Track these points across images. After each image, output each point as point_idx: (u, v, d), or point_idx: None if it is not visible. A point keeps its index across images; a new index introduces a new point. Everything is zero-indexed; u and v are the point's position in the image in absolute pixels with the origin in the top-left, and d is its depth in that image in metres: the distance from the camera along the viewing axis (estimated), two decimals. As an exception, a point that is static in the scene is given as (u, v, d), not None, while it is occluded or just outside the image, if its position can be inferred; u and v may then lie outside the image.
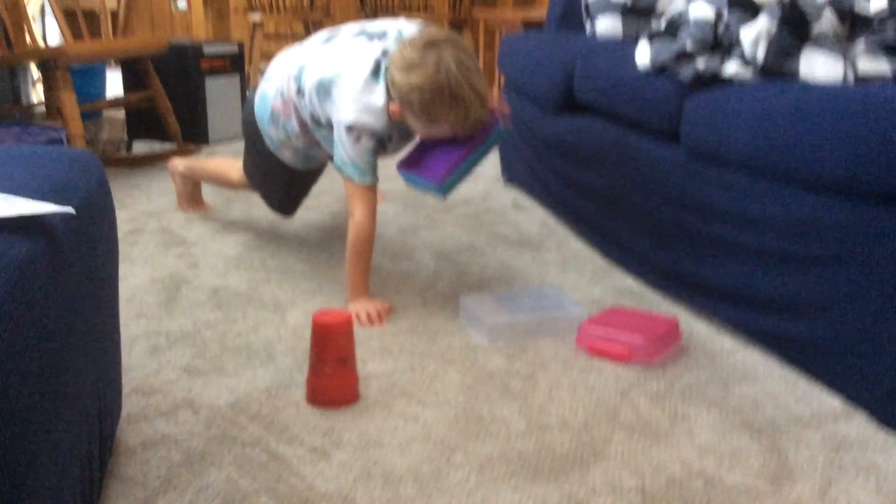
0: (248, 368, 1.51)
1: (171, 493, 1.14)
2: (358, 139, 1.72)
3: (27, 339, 0.72)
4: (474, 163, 1.78)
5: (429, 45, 1.62)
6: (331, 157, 1.97)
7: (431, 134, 1.72)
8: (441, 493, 1.14)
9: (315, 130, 1.88)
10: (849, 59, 1.69)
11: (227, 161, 2.32)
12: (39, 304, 0.77)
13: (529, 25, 3.46)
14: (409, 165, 1.79)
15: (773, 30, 1.68)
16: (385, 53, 1.73)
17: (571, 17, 2.76)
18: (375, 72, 1.72)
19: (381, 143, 1.76)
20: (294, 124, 1.90)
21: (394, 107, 1.69)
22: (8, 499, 0.64)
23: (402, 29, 1.79)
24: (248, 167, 2.13)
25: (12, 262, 0.75)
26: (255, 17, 4.19)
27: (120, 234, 2.24)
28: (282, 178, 2.07)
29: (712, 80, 1.72)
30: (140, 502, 1.11)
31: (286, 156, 2.00)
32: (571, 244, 2.25)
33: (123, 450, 1.24)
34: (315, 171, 2.13)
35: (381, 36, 1.79)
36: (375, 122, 1.72)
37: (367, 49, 1.76)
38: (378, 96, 1.71)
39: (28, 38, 3.26)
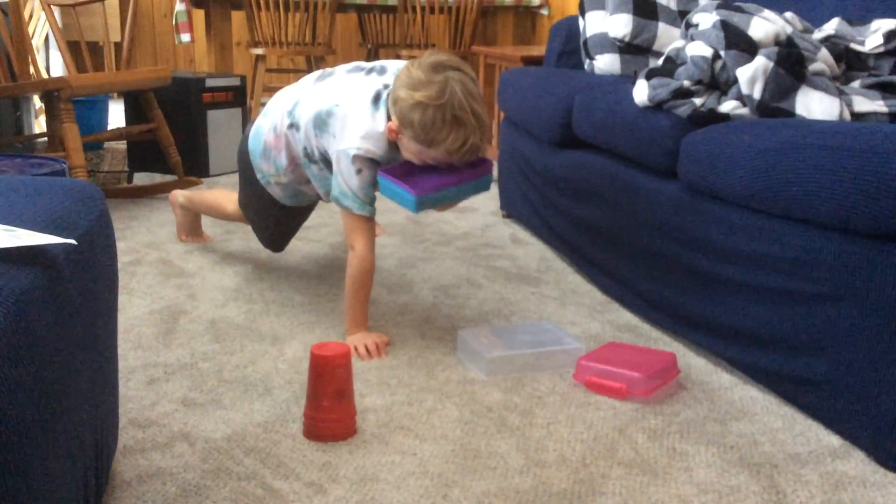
0: (244, 401, 1.51)
1: (166, 527, 1.13)
2: (360, 171, 1.73)
3: (26, 371, 0.72)
4: (456, 196, 1.76)
5: (436, 66, 1.63)
6: (319, 196, 1.98)
7: (424, 159, 1.69)
8: (438, 529, 1.14)
9: (306, 166, 1.89)
10: (844, 98, 1.71)
11: (224, 193, 2.33)
12: (39, 335, 0.77)
13: (529, 62, 3.49)
14: (390, 173, 1.73)
15: (770, 69, 1.70)
16: (386, 87, 1.74)
17: (570, 54, 2.80)
18: (376, 100, 1.74)
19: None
20: (283, 159, 1.91)
21: (391, 125, 1.68)
22: (3, 532, 0.63)
23: (400, 67, 1.81)
24: (242, 200, 2.15)
25: (13, 293, 0.75)
26: (258, 50, 4.23)
27: (119, 265, 2.24)
28: (271, 213, 2.08)
29: (709, 117, 1.74)
30: (134, 536, 1.10)
31: (275, 191, 2.01)
32: (570, 279, 2.26)
33: (119, 482, 1.23)
34: (305, 209, 2.14)
35: (381, 71, 1.81)
36: (377, 148, 1.73)
37: (366, 81, 1.78)
38: (379, 123, 1.72)
39: (32, 69, 3.29)
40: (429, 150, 1.66)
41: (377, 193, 1.79)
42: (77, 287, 0.94)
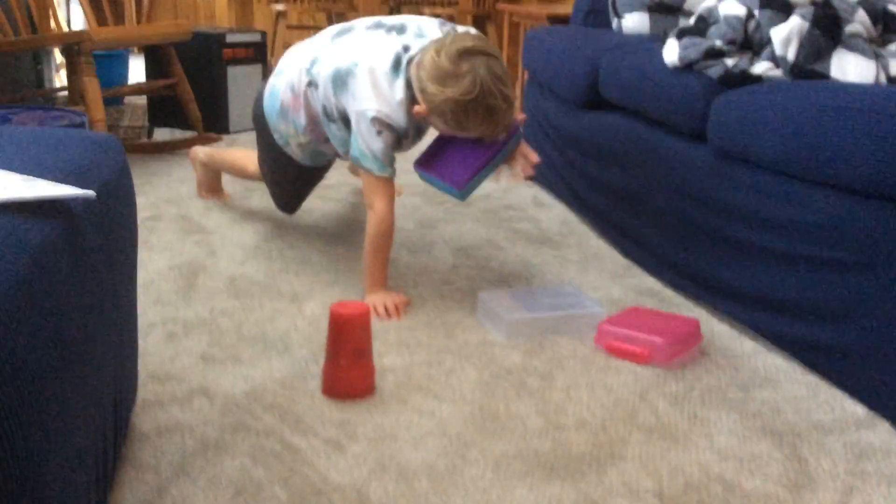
0: (263, 358, 1.51)
1: (184, 480, 1.13)
2: (380, 132, 1.71)
3: (46, 322, 0.71)
4: (494, 167, 1.78)
5: (462, 54, 1.60)
6: (338, 154, 1.96)
7: (457, 136, 1.73)
8: (455, 489, 1.13)
9: (325, 125, 1.86)
10: (881, 60, 1.66)
11: (245, 153, 2.31)
12: (59, 286, 0.77)
13: (555, 21, 3.43)
14: (427, 166, 1.78)
15: (805, 30, 1.65)
16: (406, 49, 1.71)
17: (598, 13, 2.73)
18: (395, 66, 1.70)
19: (398, 138, 1.75)
20: (302, 119, 1.88)
21: (419, 109, 1.68)
22: (24, 483, 0.63)
23: (421, 25, 1.77)
24: (260, 160, 2.13)
25: (32, 244, 0.74)
26: (279, 6, 4.19)
27: (139, 221, 2.24)
28: (289, 174, 2.06)
29: (741, 79, 1.70)
30: (153, 489, 1.11)
31: (294, 152, 1.98)
32: (592, 242, 2.23)
33: (137, 435, 1.24)
34: (322, 169, 2.11)
35: (400, 29, 1.77)
36: (394, 115, 1.70)
37: (385, 42, 1.74)
38: (397, 91, 1.70)
39: (53, 23, 3.27)
40: (462, 132, 1.70)
41: (398, 156, 1.78)
42: (96, 239, 0.93)
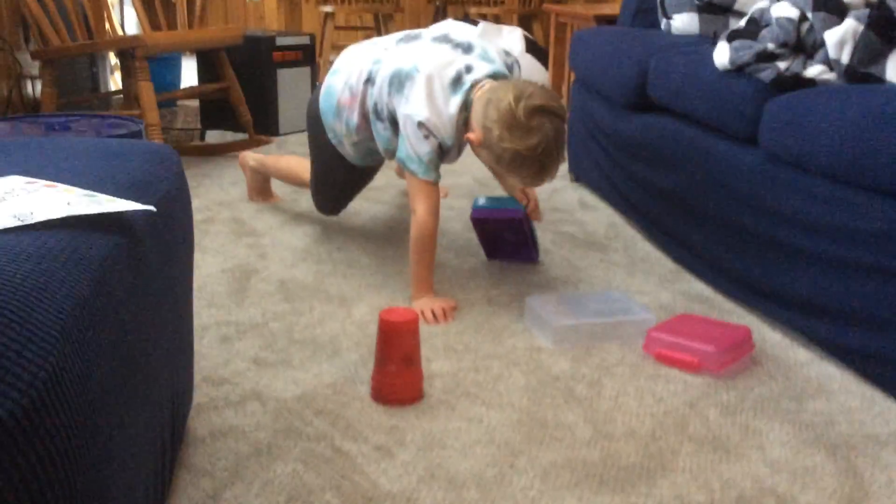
0: (314, 362, 1.53)
1: (239, 485, 1.15)
2: (426, 137, 1.73)
3: (108, 337, 0.74)
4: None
5: (537, 111, 1.61)
6: (384, 153, 1.98)
7: (494, 168, 1.81)
8: (504, 499, 1.14)
9: (373, 123, 1.88)
10: (941, 64, 1.62)
11: (298, 160, 2.34)
12: (120, 301, 0.79)
13: (602, 21, 3.40)
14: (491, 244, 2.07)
15: (860, 32, 1.61)
16: (468, 69, 1.74)
17: (646, 13, 2.71)
18: (455, 83, 1.73)
19: (441, 149, 1.77)
20: (356, 117, 1.90)
21: (472, 136, 1.70)
22: (87, 497, 0.65)
23: (487, 49, 1.81)
24: (312, 162, 2.15)
25: (95, 260, 0.77)
26: (327, 7, 4.22)
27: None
28: (339, 173, 2.08)
29: (794, 82, 1.67)
30: (209, 493, 1.13)
31: (347, 151, 2.01)
32: (640, 246, 2.21)
33: (193, 439, 1.27)
34: (371, 170, 2.13)
35: (467, 48, 1.79)
36: (442, 128, 1.72)
37: (451, 57, 1.76)
38: (452, 107, 1.72)
39: (108, 27, 3.35)
40: (507, 174, 1.75)
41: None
42: (155, 251, 0.96)
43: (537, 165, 1.65)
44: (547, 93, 1.65)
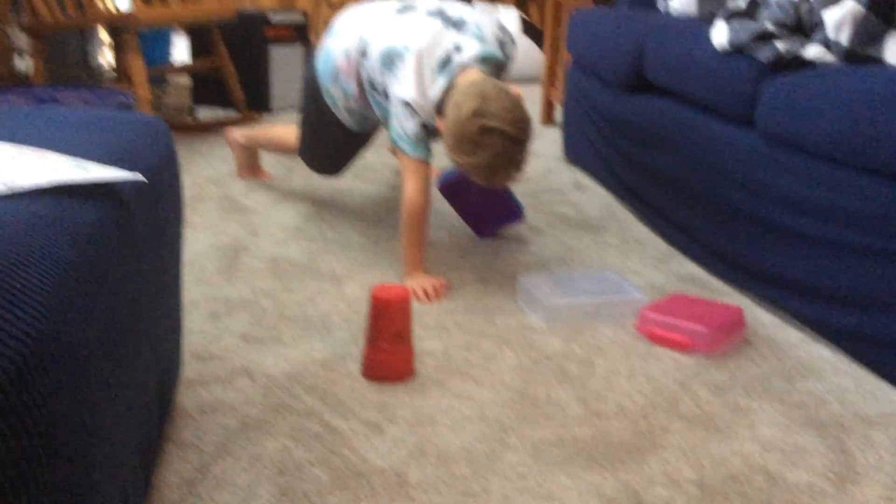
0: (304, 339, 1.52)
1: (227, 459, 1.15)
2: (413, 114, 1.72)
3: (96, 304, 0.73)
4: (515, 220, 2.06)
5: (489, 132, 1.58)
6: (383, 122, 1.97)
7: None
8: (494, 475, 1.13)
9: (370, 94, 1.87)
10: (939, 46, 1.61)
11: (284, 127, 2.32)
12: (109, 269, 0.78)
13: (599, 2, 3.38)
14: (455, 200, 2.02)
15: (860, 13, 1.60)
16: (458, 49, 1.72)
17: (643, -7, 2.69)
18: (443, 64, 1.72)
19: (427, 129, 1.76)
20: (353, 85, 1.90)
21: (439, 124, 1.69)
22: (73, 461, 0.64)
23: (480, 24, 1.79)
24: (303, 124, 2.12)
25: (83, 227, 0.75)
26: (321, -14, 4.18)
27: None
28: (336, 134, 2.07)
29: (792, 63, 1.66)
30: (196, 467, 1.13)
31: (343, 115, 2.00)
32: (633, 227, 2.21)
33: (181, 414, 1.26)
34: (367, 135, 2.12)
35: (459, 25, 1.77)
36: (426, 108, 1.72)
37: (441, 35, 1.75)
38: (436, 89, 1.71)
39: (99, 2, 3.30)
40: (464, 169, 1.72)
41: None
42: (144, 222, 0.94)
43: (483, 176, 1.66)
44: (512, 111, 1.59)
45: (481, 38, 1.76)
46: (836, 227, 1.46)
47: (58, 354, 0.63)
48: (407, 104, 1.72)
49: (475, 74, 1.69)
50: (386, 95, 1.81)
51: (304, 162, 2.20)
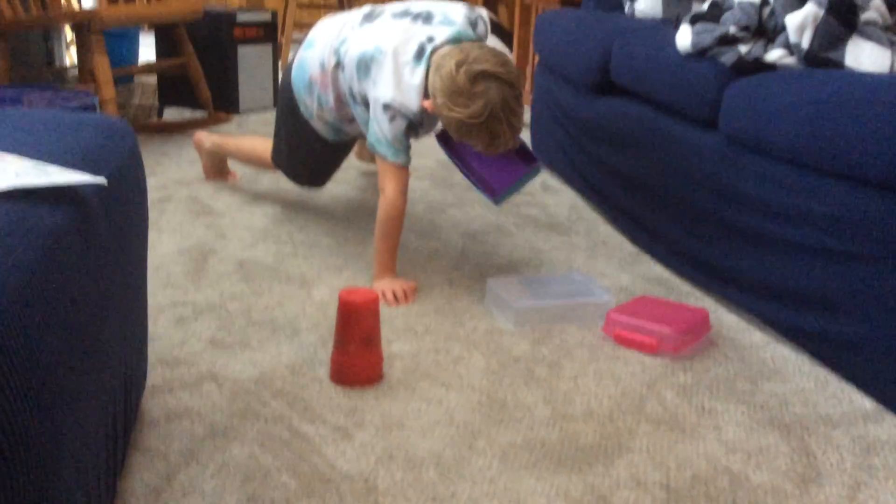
0: (272, 343, 1.51)
1: (194, 466, 1.14)
2: (393, 118, 1.71)
3: (58, 310, 0.72)
4: (524, 184, 1.82)
5: (479, 77, 1.58)
6: (362, 135, 1.96)
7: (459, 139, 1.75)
8: (463, 479, 1.14)
9: (351, 105, 1.86)
10: (898, 51, 1.64)
11: (259, 140, 2.30)
12: (70, 274, 0.77)
13: (567, 3, 3.40)
14: (466, 167, 1.81)
15: (820, 17, 1.63)
16: (430, 39, 1.71)
17: (610, -4, 2.71)
18: (418, 55, 1.71)
19: (413, 126, 1.75)
20: (330, 97, 1.89)
21: (427, 105, 1.68)
22: (34, 469, 0.63)
23: (447, 12, 1.78)
24: (279, 136, 2.12)
25: (43, 232, 0.74)
26: (289, -15, 4.16)
27: (149, 202, 2.24)
28: (313, 146, 2.06)
29: (755, 66, 1.68)
30: (162, 475, 1.12)
31: (318, 126, 1.99)
32: (601, 229, 2.22)
33: (147, 421, 1.24)
34: (346, 145, 2.11)
35: (427, 18, 1.77)
36: (408, 103, 1.70)
37: (411, 31, 1.74)
38: (417, 77, 1.70)
39: (63, 0, 3.26)
40: (463, 140, 1.69)
41: (412, 141, 1.78)
42: (107, 226, 0.93)
43: (486, 133, 1.62)
44: (495, 56, 1.61)
45: (451, 23, 1.75)
46: (797, 228, 1.49)
47: (16, 364, 0.62)
48: (387, 106, 1.71)
49: (448, 48, 1.69)
50: (366, 104, 1.80)
51: (286, 174, 2.18)
